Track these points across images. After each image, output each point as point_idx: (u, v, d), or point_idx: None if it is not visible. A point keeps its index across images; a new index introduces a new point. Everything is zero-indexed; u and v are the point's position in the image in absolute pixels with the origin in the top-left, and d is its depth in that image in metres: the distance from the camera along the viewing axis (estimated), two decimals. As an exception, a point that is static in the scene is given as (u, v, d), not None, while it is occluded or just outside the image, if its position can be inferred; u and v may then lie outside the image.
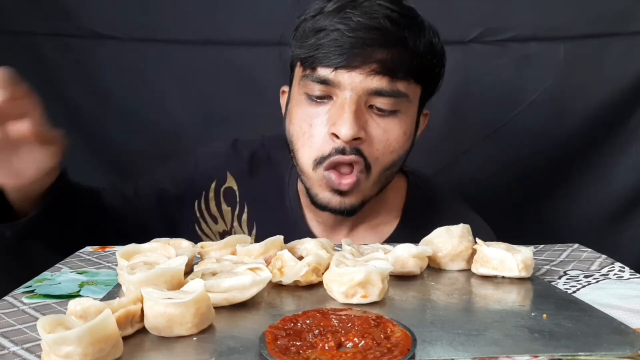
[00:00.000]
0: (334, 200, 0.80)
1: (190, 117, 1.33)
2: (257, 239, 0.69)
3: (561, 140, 1.34)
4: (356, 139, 0.75)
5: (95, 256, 0.72)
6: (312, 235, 0.89)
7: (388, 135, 0.78)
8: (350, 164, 0.77)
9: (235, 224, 0.92)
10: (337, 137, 0.75)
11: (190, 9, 1.27)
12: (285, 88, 0.91)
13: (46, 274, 0.64)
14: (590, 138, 1.34)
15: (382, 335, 0.42)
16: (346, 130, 0.74)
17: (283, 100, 0.91)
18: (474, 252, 0.64)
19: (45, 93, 1.25)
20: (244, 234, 0.89)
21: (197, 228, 0.93)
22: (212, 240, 0.91)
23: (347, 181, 0.78)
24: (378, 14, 0.75)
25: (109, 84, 1.30)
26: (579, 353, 0.42)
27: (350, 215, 0.84)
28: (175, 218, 0.93)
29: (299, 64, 0.81)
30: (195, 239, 0.69)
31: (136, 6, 1.26)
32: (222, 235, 0.92)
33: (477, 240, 0.63)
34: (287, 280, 0.55)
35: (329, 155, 0.77)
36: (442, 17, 0.82)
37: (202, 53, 1.29)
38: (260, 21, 1.28)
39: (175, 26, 1.28)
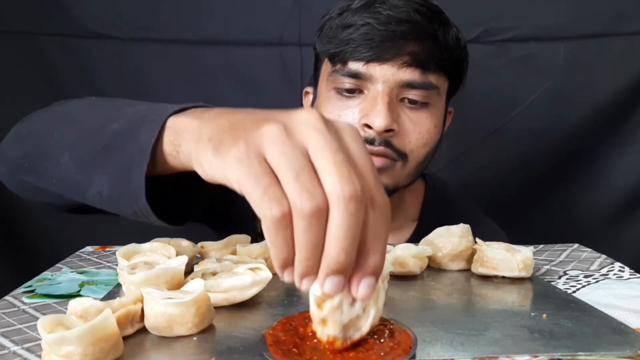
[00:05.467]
0: None
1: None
2: None
3: (561, 140, 1.34)
4: (388, 130, 0.75)
5: (95, 256, 0.73)
6: None
7: (420, 127, 0.78)
8: (379, 155, 0.76)
9: None
10: (369, 127, 0.75)
11: (190, 9, 1.27)
12: (309, 89, 0.90)
13: (46, 273, 0.64)
14: (590, 138, 1.34)
15: (382, 335, 0.42)
16: (380, 120, 0.73)
17: (306, 102, 0.91)
18: (474, 252, 0.64)
19: (45, 93, 1.28)
20: None
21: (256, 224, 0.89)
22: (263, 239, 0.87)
23: (379, 162, 0.76)
24: (407, 7, 0.75)
25: (109, 84, 1.29)
26: (579, 353, 0.42)
27: None
28: (236, 209, 0.81)
29: (326, 60, 0.80)
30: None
31: (136, 6, 1.26)
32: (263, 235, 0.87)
33: (477, 240, 0.64)
34: None
35: None
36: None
37: (202, 53, 1.29)
38: (260, 21, 1.27)
39: (175, 26, 1.28)
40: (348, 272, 0.34)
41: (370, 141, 0.76)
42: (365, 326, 0.37)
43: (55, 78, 1.28)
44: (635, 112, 1.32)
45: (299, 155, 0.34)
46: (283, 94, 1.28)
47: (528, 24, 1.28)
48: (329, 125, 0.36)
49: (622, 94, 1.30)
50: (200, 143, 0.40)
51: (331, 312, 0.37)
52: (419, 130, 0.78)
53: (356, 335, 0.38)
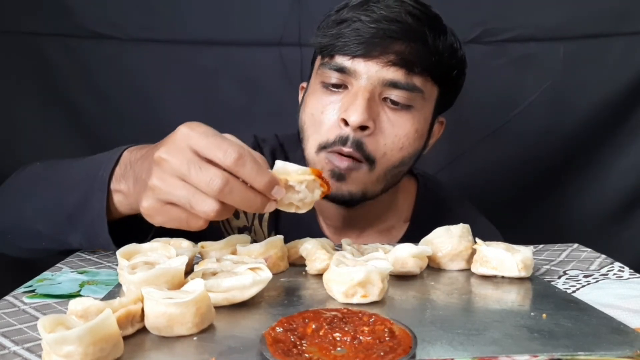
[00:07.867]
0: (333, 186, 0.77)
1: (190, 117, 1.32)
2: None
3: (561, 141, 1.34)
4: (364, 128, 0.75)
5: (95, 256, 0.73)
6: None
7: (398, 130, 0.77)
8: (346, 156, 0.76)
9: (256, 222, 0.90)
10: (345, 124, 0.75)
11: (190, 9, 1.27)
12: (304, 84, 0.91)
13: (47, 273, 0.64)
14: (590, 138, 1.34)
15: (382, 335, 0.42)
16: (356, 116, 0.73)
17: (301, 97, 0.91)
18: (473, 252, 0.64)
19: (45, 93, 1.28)
20: (263, 233, 0.88)
21: (221, 223, 0.90)
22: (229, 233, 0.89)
23: (344, 163, 0.76)
24: (400, 8, 0.76)
25: (109, 84, 1.29)
26: (579, 353, 0.42)
27: (349, 206, 0.82)
28: None
29: (319, 56, 0.82)
30: (217, 233, 0.70)
31: (136, 6, 1.26)
32: (241, 231, 0.90)
33: (477, 240, 0.64)
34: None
35: (333, 143, 0.76)
36: (442, 18, 0.82)
37: (202, 53, 1.29)
38: (260, 21, 1.28)
39: (175, 26, 1.28)
40: (273, 184, 0.52)
41: (343, 141, 0.75)
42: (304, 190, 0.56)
43: (55, 78, 1.28)
44: (635, 112, 1.32)
45: (185, 156, 0.51)
46: (283, 94, 1.28)
47: (528, 24, 1.28)
48: (190, 129, 0.53)
49: (622, 94, 1.30)
50: (138, 199, 0.56)
51: (293, 195, 0.56)
52: (396, 132, 0.77)
53: (317, 193, 0.58)
